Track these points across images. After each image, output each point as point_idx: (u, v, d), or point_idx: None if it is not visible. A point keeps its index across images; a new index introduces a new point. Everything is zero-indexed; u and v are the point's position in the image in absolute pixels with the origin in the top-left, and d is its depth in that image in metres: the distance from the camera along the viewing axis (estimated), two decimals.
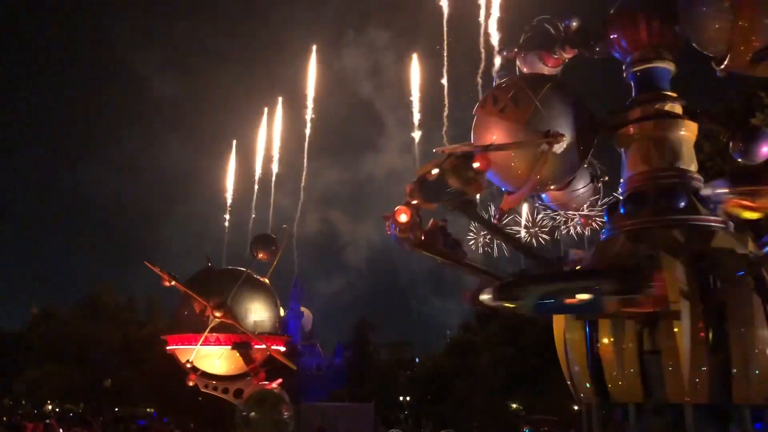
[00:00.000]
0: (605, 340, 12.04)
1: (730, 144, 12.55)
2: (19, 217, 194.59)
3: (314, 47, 28.96)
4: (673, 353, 11.25)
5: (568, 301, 11.41)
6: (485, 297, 11.89)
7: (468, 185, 11.96)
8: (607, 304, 11.31)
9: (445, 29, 19.56)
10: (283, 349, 21.56)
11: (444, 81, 19.59)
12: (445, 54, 19.34)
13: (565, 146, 12.24)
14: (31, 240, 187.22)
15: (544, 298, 11.75)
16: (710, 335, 11.21)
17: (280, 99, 29.96)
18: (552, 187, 13.92)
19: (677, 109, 13.23)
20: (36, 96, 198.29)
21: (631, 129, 13.30)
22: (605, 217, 13.86)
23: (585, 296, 11.19)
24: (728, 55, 11.40)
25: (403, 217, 12.01)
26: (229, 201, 29.98)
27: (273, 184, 29.55)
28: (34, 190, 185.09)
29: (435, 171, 11.90)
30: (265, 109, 29.31)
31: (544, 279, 12.38)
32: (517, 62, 14.62)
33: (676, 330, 11.23)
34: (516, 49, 14.56)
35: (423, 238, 12.27)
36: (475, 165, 11.81)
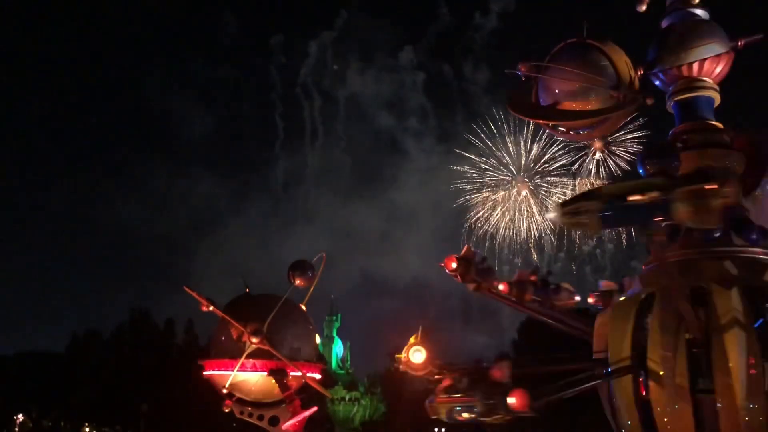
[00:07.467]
0: (655, 377, 11.34)
1: None
2: (63, 249, 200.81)
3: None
4: (728, 391, 10.68)
5: None
6: None
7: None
8: None
9: None
10: (318, 376, 21.49)
11: None
12: None
13: None
14: (75, 268, 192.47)
15: None
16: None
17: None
18: None
19: (721, 138, 12.94)
20: (73, 137, 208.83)
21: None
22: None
23: None
24: None
25: (453, 265, 15.01)
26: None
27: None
28: (76, 224, 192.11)
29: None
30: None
31: None
32: None
33: (731, 365, 10.66)
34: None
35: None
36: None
